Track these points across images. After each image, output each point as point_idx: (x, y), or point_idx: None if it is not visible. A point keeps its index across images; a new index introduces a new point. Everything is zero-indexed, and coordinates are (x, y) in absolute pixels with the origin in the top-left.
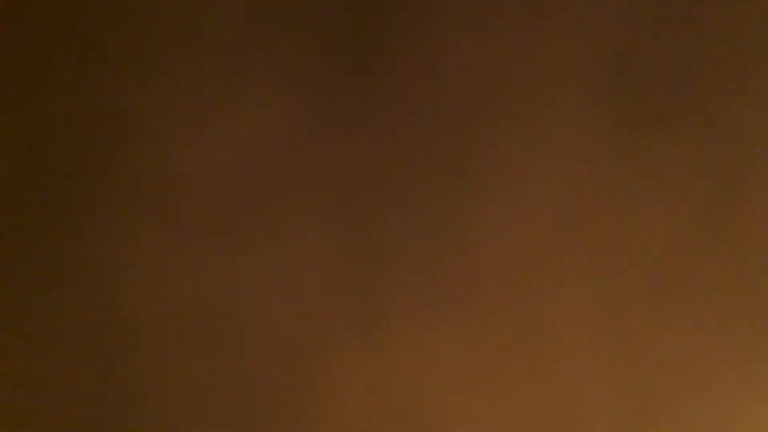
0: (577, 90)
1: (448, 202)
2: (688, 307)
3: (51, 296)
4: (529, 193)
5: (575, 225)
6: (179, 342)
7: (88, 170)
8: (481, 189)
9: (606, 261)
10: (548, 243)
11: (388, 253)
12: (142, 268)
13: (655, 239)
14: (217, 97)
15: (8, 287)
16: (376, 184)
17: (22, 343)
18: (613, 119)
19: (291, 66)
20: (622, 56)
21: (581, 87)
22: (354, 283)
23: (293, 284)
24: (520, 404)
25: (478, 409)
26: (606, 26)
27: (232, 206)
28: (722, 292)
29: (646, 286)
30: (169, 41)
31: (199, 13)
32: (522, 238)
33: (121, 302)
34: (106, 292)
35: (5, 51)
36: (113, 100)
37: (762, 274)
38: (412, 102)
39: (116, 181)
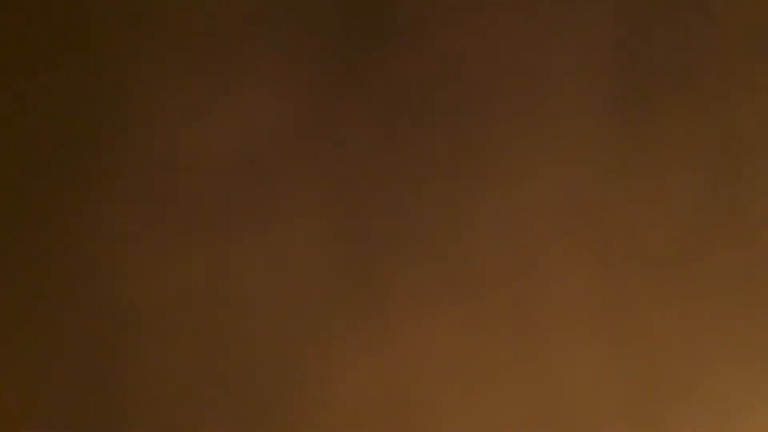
0: (577, 84)
1: (447, 193)
2: (689, 301)
3: (43, 288)
4: (528, 185)
5: (575, 218)
6: (174, 332)
7: (81, 161)
8: (481, 180)
9: (606, 254)
10: (548, 234)
11: (386, 245)
12: (136, 259)
13: (655, 233)
14: (213, 88)
15: None
16: (373, 176)
17: (12, 335)
18: (614, 112)
19: (288, 57)
20: (623, 50)
21: (582, 81)
22: (351, 275)
23: (289, 276)
24: (519, 397)
25: (475, 400)
26: (608, 20)
27: (229, 197)
28: (723, 285)
29: (646, 280)
30: (166, 32)
31: (197, 5)
32: (522, 230)
33: (115, 294)
34: (99, 283)
35: None
36: (107, 91)
37: (762, 267)
38: (412, 92)
39: (110, 171)
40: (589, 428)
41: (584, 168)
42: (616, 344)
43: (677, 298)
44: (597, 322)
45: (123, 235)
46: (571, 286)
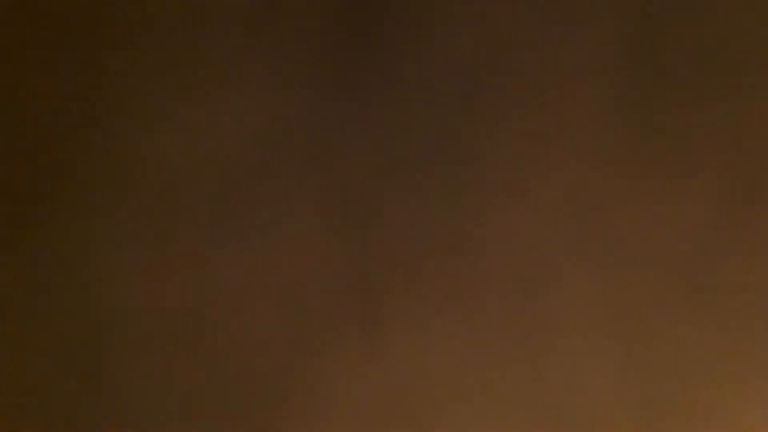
0: (586, 86)
1: (450, 199)
2: (701, 308)
3: (26, 295)
4: (535, 190)
5: (586, 223)
6: (168, 342)
7: (66, 168)
8: (485, 186)
9: (616, 260)
10: (556, 239)
11: (386, 253)
12: (129, 267)
13: (670, 238)
14: (206, 92)
15: None
16: (374, 182)
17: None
18: (624, 114)
19: (284, 59)
20: (638, 48)
21: (591, 83)
22: (350, 283)
23: (287, 283)
24: (520, 406)
25: (476, 410)
26: (622, 16)
27: (222, 204)
28: (735, 292)
29: (657, 287)
30: (163, 37)
31: (195, 10)
32: (528, 235)
33: (102, 302)
34: (89, 291)
35: None
36: (92, 97)
37: None
38: (412, 95)
39: (102, 176)
40: None
41: (593, 172)
42: (625, 353)
43: (689, 306)
44: (606, 331)
45: (111, 242)
46: (579, 293)
